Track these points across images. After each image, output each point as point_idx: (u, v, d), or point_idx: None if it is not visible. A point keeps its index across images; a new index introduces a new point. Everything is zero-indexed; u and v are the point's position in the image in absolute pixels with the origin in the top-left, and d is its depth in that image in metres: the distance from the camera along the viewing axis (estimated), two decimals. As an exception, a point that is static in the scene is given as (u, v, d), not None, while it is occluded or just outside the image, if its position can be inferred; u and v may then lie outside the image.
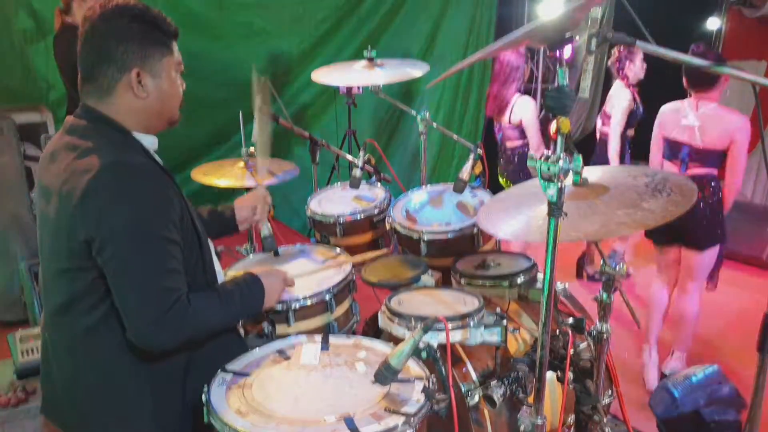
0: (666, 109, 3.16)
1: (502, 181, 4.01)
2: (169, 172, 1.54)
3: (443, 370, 1.51)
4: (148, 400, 1.46)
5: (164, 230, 1.40)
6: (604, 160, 4.02)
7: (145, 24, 1.46)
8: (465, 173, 2.36)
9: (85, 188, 1.34)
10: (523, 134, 3.76)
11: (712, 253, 3.06)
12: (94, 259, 1.38)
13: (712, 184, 3.01)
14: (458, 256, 2.29)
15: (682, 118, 3.02)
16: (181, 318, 1.39)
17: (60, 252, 1.43)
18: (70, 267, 1.42)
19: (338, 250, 2.34)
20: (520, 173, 3.80)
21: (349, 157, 2.78)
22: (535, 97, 6.62)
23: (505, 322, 1.65)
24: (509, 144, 3.85)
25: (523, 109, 3.67)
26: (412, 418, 1.31)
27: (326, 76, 3.13)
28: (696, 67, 1.41)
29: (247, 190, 2.65)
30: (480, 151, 2.37)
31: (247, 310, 1.67)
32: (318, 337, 1.68)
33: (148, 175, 1.42)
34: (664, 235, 3.19)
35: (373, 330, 2.09)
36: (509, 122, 3.74)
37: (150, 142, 1.54)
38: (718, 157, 2.95)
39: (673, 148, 3.08)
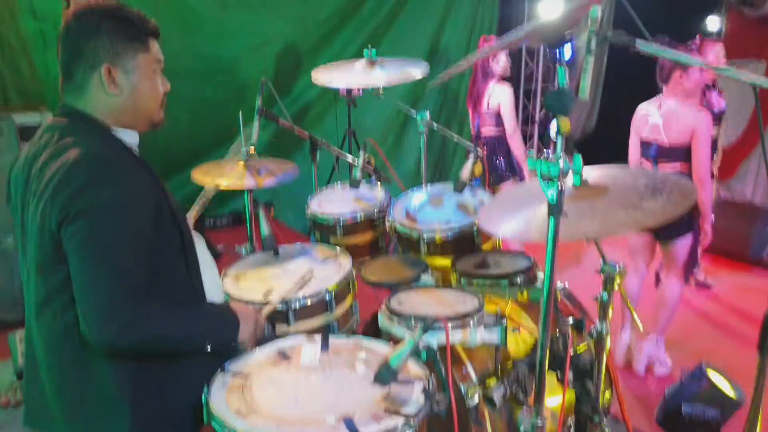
0: (638, 109, 3.28)
1: None
2: (148, 166, 1.50)
3: (443, 370, 1.51)
4: (128, 403, 1.43)
5: (132, 221, 1.36)
6: None
7: (116, 20, 1.45)
8: (465, 173, 2.37)
9: (57, 180, 1.34)
10: (499, 121, 3.96)
11: (683, 243, 3.16)
12: (64, 251, 1.35)
13: None
14: (458, 255, 2.29)
15: (649, 117, 3.16)
16: (132, 315, 1.33)
17: (34, 248, 1.41)
18: (44, 263, 1.40)
19: (338, 249, 2.33)
20: (493, 157, 4.01)
21: (349, 157, 2.78)
22: (535, 97, 6.63)
23: (505, 322, 1.65)
24: (485, 131, 4.04)
25: (500, 95, 3.89)
26: (411, 419, 1.31)
27: (326, 76, 3.12)
28: (694, 66, 1.41)
29: (248, 190, 2.65)
30: (480, 151, 2.39)
31: (216, 332, 1.55)
32: (318, 338, 1.68)
33: (120, 166, 1.40)
34: None
35: (373, 330, 2.08)
36: (487, 108, 3.95)
37: (130, 137, 1.51)
38: (682, 153, 3.06)
39: (644, 147, 3.21)
